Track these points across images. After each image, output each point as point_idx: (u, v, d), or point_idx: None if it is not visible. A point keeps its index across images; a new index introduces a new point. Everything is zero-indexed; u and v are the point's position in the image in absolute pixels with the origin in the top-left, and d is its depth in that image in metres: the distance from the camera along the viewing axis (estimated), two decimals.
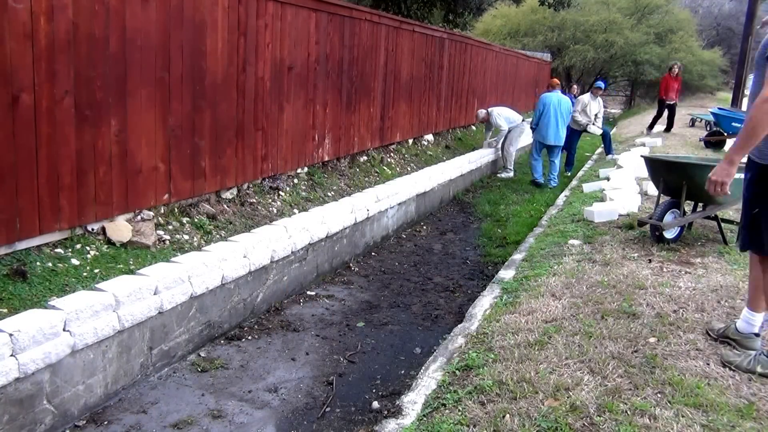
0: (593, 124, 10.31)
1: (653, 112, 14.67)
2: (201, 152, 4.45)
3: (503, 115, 10.00)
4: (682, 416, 2.50)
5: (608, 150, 11.08)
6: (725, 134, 11.38)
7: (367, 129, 7.19)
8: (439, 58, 9.38)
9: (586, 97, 10.30)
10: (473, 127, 12.08)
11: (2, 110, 3.03)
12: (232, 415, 3.09)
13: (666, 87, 13.44)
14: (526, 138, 11.13)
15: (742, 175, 4.60)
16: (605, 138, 10.94)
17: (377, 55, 7.22)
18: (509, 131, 10.04)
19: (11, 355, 2.59)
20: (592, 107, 10.15)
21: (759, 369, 2.90)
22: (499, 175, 10.34)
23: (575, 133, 10.41)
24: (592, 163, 11.13)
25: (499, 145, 10.32)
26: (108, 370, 3.12)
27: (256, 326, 4.16)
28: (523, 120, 10.30)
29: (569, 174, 10.39)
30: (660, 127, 14.03)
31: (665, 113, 13.75)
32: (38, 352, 2.69)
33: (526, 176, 10.10)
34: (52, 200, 3.35)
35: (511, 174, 10.26)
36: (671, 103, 13.58)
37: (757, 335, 3.14)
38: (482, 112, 10.23)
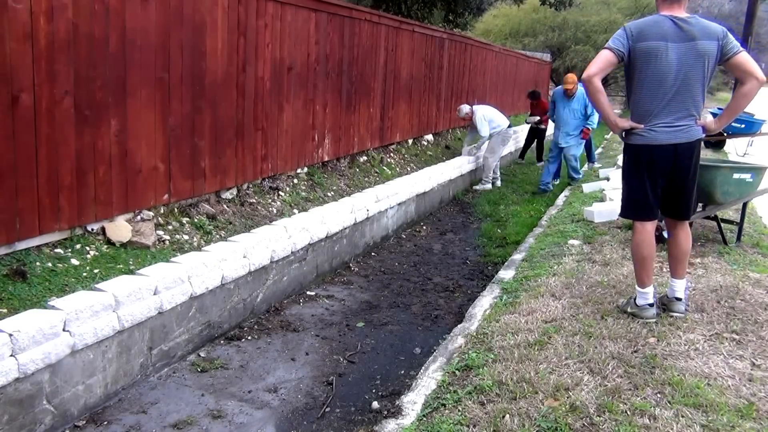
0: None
1: None
2: (201, 152, 4.44)
3: (488, 118, 8.84)
4: (682, 416, 2.50)
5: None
6: (725, 134, 11.35)
7: (366, 129, 7.19)
8: (439, 58, 9.38)
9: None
10: None
11: (2, 110, 3.03)
12: (232, 415, 3.09)
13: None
14: (509, 146, 10.65)
15: (746, 176, 4.63)
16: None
17: (377, 55, 7.22)
18: (490, 137, 9.00)
19: (11, 356, 2.59)
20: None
21: (628, 309, 3.54)
22: (475, 187, 9.32)
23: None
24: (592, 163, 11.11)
25: (480, 153, 9.29)
26: (108, 371, 3.12)
27: (255, 326, 4.16)
28: (510, 126, 9.25)
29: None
30: None
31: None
32: (38, 352, 2.69)
33: (507, 187, 9.39)
34: (51, 200, 3.34)
35: (489, 186, 9.26)
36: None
37: (651, 305, 3.47)
38: (465, 108, 8.98)
